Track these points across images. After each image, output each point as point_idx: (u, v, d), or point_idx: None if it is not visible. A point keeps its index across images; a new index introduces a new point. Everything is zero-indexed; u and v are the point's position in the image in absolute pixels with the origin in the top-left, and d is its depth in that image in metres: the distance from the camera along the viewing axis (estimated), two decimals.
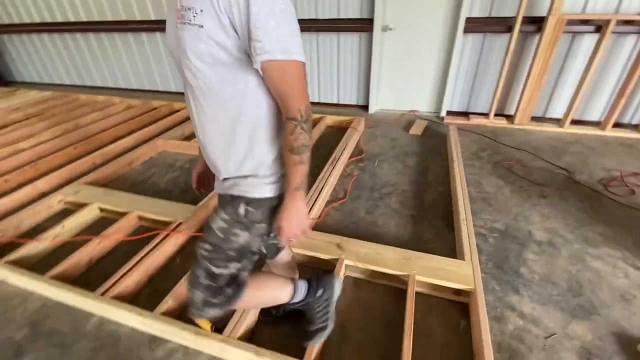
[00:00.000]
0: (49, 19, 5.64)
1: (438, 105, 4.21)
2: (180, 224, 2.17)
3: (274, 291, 1.29)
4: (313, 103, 4.75)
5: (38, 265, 2.01)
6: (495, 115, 3.92)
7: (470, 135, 3.62)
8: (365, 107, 4.51)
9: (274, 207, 1.01)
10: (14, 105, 5.06)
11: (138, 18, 5.02)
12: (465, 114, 4.10)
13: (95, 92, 5.71)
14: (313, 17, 4.15)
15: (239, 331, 1.45)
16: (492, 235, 2.16)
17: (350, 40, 4.16)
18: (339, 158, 2.93)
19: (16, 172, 2.96)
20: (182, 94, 5.43)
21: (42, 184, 2.79)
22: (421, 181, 2.81)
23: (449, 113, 4.15)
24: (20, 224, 2.32)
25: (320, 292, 1.39)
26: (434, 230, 2.24)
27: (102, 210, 2.46)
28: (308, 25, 4.18)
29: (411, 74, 4.17)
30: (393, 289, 1.79)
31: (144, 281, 1.85)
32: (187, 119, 4.33)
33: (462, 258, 1.82)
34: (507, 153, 3.21)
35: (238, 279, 1.09)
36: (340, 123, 3.98)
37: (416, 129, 3.79)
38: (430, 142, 3.51)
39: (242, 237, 1.02)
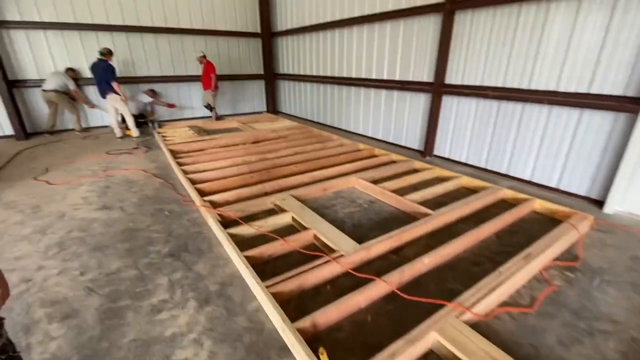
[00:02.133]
0: (307, 72, 7.74)
1: None
2: (341, 255, 2.34)
3: None
4: (521, 180, 4.08)
5: (242, 242, 2.67)
6: None
7: None
8: (598, 203, 3.42)
9: None
10: (274, 128, 7.14)
11: (372, 76, 6.02)
12: None
13: (324, 128, 7.22)
14: (552, 88, 3.63)
15: None
16: None
17: (600, 119, 3.33)
18: (536, 255, 2.33)
19: (259, 172, 4.15)
20: (386, 142, 5.95)
21: (268, 186, 3.75)
22: None
23: None
24: (246, 209, 3.19)
25: None
26: None
27: (293, 219, 3.02)
28: (540, 97, 3.69)
29: None
30: None
31: (297, 292, 2.10)
32: (383, 164, 4.70)
33: None
34: None
35: None
36: (553, 213, 3.19)
37: None
38: None
39: None
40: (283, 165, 4.59)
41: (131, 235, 2.89)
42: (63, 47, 6.80)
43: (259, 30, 9.01)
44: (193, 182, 3.89)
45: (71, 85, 6.61)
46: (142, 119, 7.43)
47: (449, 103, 4.83)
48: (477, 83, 4.39)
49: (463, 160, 4.82)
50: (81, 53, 6.99)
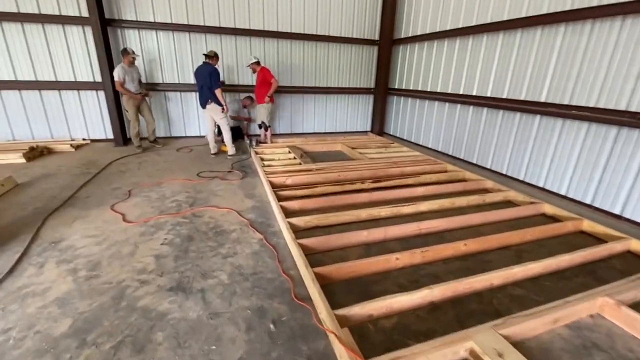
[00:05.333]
0: (436, 89, 5.93)
1: None
2: None
3: None
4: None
5: None
6: None
7: None
8: None
9: None
10: (391, 157, 5.53)
11: (574, 103, 3.98)
12: None
13: (452, 162, 5.34)
14: None
15: None
16: None
17: None
18: None
19: (410, 252, 2.52)
20: (600, 209, 3.66)
21: (439, 292, 2.10)
22: None
23: None
24: (421, 355, 1.59)
25: None
26: None
27: None
28: None
29: None
30: None
31: None
32: None
33: None
34: None
35: None
36: None
37: None
38: None
39: None
40: (437, 234, 2.93)
41: None
42: (172, 48, 6.30)
43: (376, 37, 7.58)
44: (306, 252, 2.46)
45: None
46: (239, 134, 6.58)
47: None
48: None
49: None
50: (188, 56, 6.42)
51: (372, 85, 8.01)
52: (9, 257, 2.48)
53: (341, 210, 3.31)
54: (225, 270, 2.41)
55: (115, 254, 2.58)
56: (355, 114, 8.18)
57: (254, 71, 5.98)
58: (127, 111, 5.67)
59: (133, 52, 5.41)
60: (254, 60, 5.82)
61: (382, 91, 7.77)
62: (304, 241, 2.60)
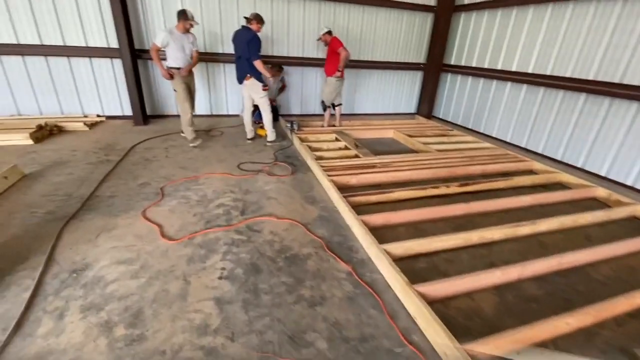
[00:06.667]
0: (497, 66, 4.94)
1: None
2: None
3: None
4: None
5: None
6: None
7: None
8: None
9: None
10: (460, 149, 4.67)
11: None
12: None
13: (528, 156, 4.47)
14: None
15: None
16: None
17: None
18: None
19: (579, 314, 1.76)
20: None
21: None
22: None
23: None
24: None
25: None
26: None
27: None
28: None
29: None
30: None
31: None
32: None
33: None
34: None
35: None
36: None
37: None
38: None
39: None
40: (579, 271, 2.17)
41: None
42: (198, 11, 5.31)
43: (432, 2, 6.44)
44: (434, 304, 1.72)
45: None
46: (274, 115, 5.71)
47: None
48: None
49: None
50: (217, 21, 5.45)
51: (423, 60, 6.96)
52: (16, 298, 1.78)
53: (440, 231, 2.54)
54: (320, 330, 1.69)
55: (160, 294, 1.87)
56: (400, 93, 7.19)
57: (325, 43, 5.02)
58: (175, 91, 4.35)
59: (193, 18, 4.12)
60: (325, 30, 4.91)
61: (435, 67, 6.73)
62: (423, 289, 1.86)
